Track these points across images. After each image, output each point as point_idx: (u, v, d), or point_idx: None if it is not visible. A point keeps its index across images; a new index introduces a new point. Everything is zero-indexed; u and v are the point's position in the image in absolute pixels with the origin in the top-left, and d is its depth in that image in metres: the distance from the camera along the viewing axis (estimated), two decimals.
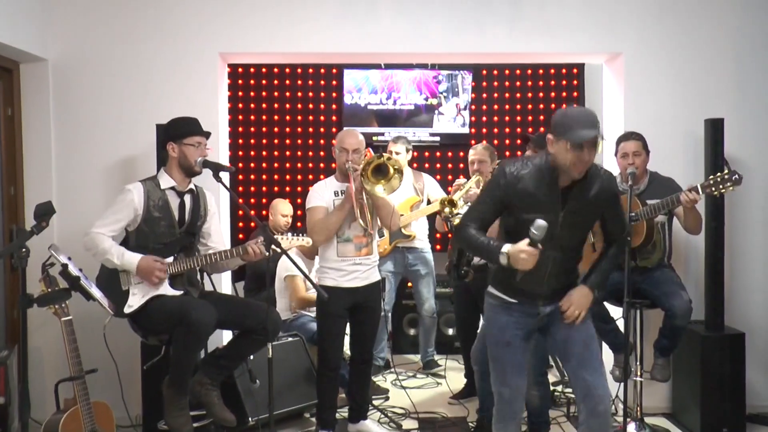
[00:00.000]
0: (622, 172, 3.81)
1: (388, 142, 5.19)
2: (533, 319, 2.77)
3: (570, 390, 4.39)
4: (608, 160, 4.44)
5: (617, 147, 3.85)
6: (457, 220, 3.74)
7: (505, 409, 2.85)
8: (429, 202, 5.07)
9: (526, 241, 2.51)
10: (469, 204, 4.04)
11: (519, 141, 6.12)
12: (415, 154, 6.29)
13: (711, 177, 3.45)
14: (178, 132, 3.42)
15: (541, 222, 2.48)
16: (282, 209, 5.44)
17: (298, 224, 5.98)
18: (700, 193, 3.42)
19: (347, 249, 3.69)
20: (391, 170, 3.58)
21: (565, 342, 2.76)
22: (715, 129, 4.01)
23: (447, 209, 4.02)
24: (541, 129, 6.13)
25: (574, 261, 2.79)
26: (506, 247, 2.56)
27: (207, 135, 3.49)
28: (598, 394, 2.68)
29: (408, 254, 5.07)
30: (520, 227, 2.60)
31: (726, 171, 3.42)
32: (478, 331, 3.75)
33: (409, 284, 5.45)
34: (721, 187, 3.37)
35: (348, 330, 3.88)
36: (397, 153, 4.97)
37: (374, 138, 6.15)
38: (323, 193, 3.72)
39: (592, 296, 2.72)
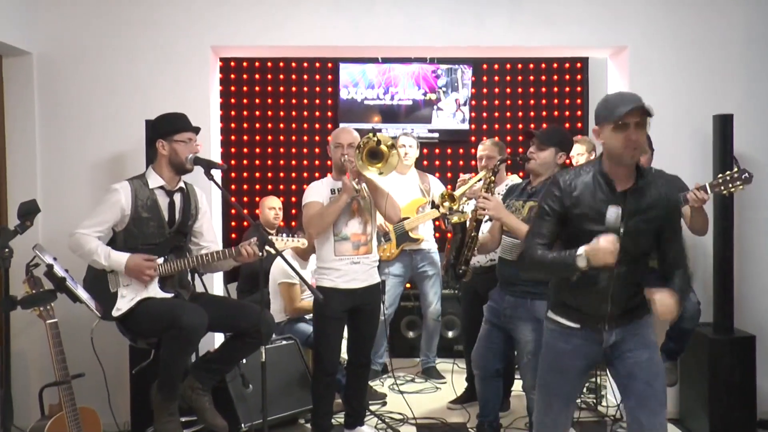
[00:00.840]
0: None
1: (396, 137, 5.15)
2: (597, 348, 2.61)
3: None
4: None
5: None
6: (455, 218, 3.74)
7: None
8: (434, 205, 5.05)
9: (601, 238, 2.40)
10: (471, 200, 4.07)
11: (521, 137, 6.09)
12: (425, 151, 6.28)
13: (720, 175, 3.44)
14: (167, 129, 3.40)
15: (613, 208, 2.40)
16: (269, 203, 5.47)
17: (293, 223, 5.97)
18: (709, 192, 3.41)
19: (344, 248, 3.67)
20: (385, 148, 3.59)
21: (628, 378, 2.61)
22: (724, 125, 3.99)
23: (446, 203, 3.99)
24: (544, 125, 6.13)
25: (638, 277, 2.59)
26: (582, 249, 2.42)
27: (196, 130, 3.48)
28: None
29: (415, 256, 5.05)
30: (580, 239, 2.48)
31: (735, 169, 3.40)
32: (481, 334, 3.73)
33: (408, 285, 5.42)
34: (730, 185, 3.36)
35: (345, 333, 3.86)
36: (410, 146, 4.96)
37: (369, 135, 6.12)
38: (320, 191, 3.71)
39: (677, 299, 2.48)
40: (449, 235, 4.04)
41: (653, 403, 2.59)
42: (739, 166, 3.64)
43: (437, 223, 5.20)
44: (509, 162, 4.00)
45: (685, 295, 2.64)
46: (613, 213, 2.41)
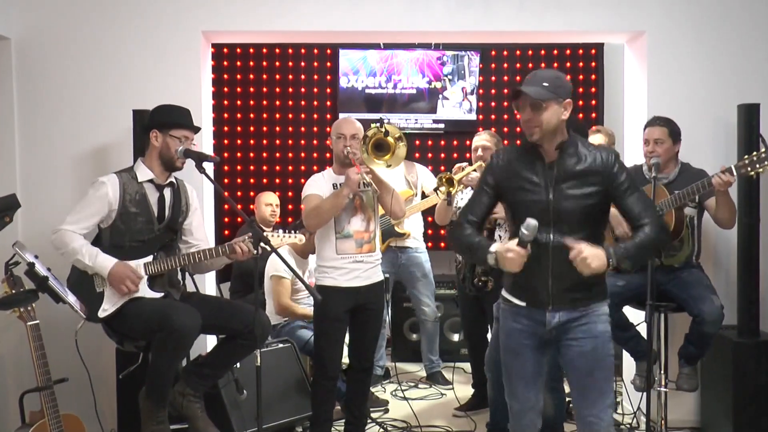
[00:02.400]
0: (647, 161, 3.77)
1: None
2: (542, 329, 2.71)
3: None
4: (629, 151, 4.41)
5: (643, 132, 3.81)
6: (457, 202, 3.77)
7: (514, 425, 2.85)
8: (424, 195, 5.03)
9: (515, 240, 2.55)
10: (468, 188, 4.11)
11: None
12: (417, 142, 6.29)
13: (746, 156, 3.40)
14: (165, 120, 3.39)
15: (532, 221, 2.52)
16: (265, 199, 5.46)
17: (290, 219, 5.95)
18: (735, 174, 3.38)
19: (347, 246, 3.66)
20: (392, 140, 3.64)
21: (570, 368, 2.75)
22: (749, 115, 3.97)
23: (443, 188, 4.00)
24: None
25: None
26: (494, 247, 2.62)
27: (196, 130, 3.47)
28: (594, 431, 2.69)
29: (401, 255, 5.03)
30: (517, 210, 2.69)
31: (763, 150, 3.36)
32: (490, 334, 3.74)
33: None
34: (758, 166, 3.33)
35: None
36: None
37: (372, 125, 6.10)
38: (321, 185, 3.70)
39: (604, 261, 2.53)
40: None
41: (593, 393, 2.70)
42: (767, 145, 3.61)
43: (430, 219, 5.18)
44: None
45: (636, 250, 2.61)
46: (530, 226, 2.51)
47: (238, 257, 3.37)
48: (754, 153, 3.38)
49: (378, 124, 3.65)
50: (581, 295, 2.67)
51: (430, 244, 5.57)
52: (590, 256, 2.51)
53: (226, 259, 3.43)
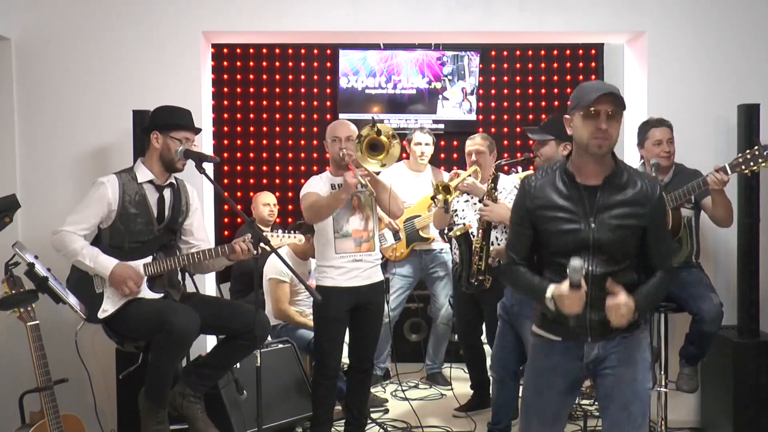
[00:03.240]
0: (647, 162, 3.78)
1: (409, 132, 5.13)
2: (578, 364, 2.54)
3: (586, 402, 4.36)
4: (627, 152, 4.40)
5: (644, 134, 3.82)
6: (457, 232, 3.85)
7: None
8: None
9: (567, 284, 2.36)
10: (464, 194, 4.14)
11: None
12: (442, 143, 6.27)
13: (740, 154, 3.40)
14: (166, 122, 3.39)
15: (576, 262, 2.33)
16: (262, 199, 5.46)
17: (290, 219, 5.96)
18: (729, 172, 3.37)
19: (346, 245, 3.68)
20: (386, 140, 3.66)
21: (606, 398, 2.56)
22: (749, 116, 3.97)
23: (440, 195, 4.01)
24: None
25: (621, 280, 2.46)
26: (550, 291, 2.41)
27: (197, 131, 3.47)
28: None
29: (425, 256, 5.03)
30: (552, 240, 2.49)
31: (757, 147, 3.35)
32: (497, 333, 3.76)
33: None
34: (752, 164, 3.31)
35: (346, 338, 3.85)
36: (426, 144, 4.94)
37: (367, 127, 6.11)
38: (320, 186, 3.73)
39: (633, 311, 2.40)
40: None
41: (627, 428, 2.51)
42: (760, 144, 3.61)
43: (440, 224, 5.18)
44: (506, 169, 4.04)
45: (651, 303, 2.57)
46: (575, 268, 2.33)
47: (238, 257, 3.37)
48: (748, 151, 3.36)
49: (370, 125, 3.67)
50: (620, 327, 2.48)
51: None
52: (626, 310, 2.37)
53: (226, 260, 3.43)
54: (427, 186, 4.98)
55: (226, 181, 6.27)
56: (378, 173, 3.83)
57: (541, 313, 2.61)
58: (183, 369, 3.51)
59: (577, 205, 2.45)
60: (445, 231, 4.06)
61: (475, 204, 4.04)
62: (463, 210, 4.15)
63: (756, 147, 3.34)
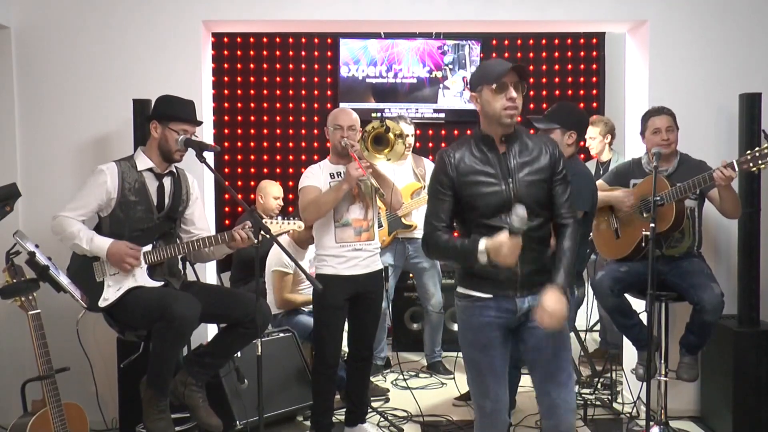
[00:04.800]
0: (649, 151, 3.77)
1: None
2: (511, 317, 2.68)
3: (587, 390, 4.37)
4: (630, 142, 4.40)
5: (645, 123, 3.81)
6: None
7: (487, 424, 2.77)
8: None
9: (505, 233, 2.48)
10: None
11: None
12: (418, 132, 6.26)
13: (749, 152, 3.40)
14: (166, 112, 3.38)
15: (521, 210, 2.49)
16: (273, 191, 5.43)
17: (290, 209, 5.95)
18: (736, 169, 3.37)
19: (346, 234, 3.67)
20: (392, 137, 3.66)
21: (535, 350, 2.69)
22: (751, 104, 3.95)
23: None
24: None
25: (542, 232, 2.69)
26: (483, 244, 2.52)
27: (198, 123, 3.46)
28: (560, 413, 2.66)
29: (408, 245, 5.03)
30: (476, 203, 2.63)
31: (765, 145, 3.35)
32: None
33: (411, 275, 5.42)
34: (759, 162, 3.32)
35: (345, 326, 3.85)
36: (407, 135, 4.92)
37: (373, 114, 6.11)
38: (318, 175, 3.71)
39: (566, 300, 2.59)
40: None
41: (561, 375, 2.68)
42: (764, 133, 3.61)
43: None
44: None
45: (572, 270, 2.68)
46: (520, 215, 2.47)
47: (238, 245, 3.37)
48: (757, 149, 3.36)
49: (380, 120, 3.67)
50: (546, 276, 2.64)
51: None
52: (559, 313, 2.54)
53: (227, 248, 3.43)
54: (408, 174, 4.97)
55: (226, 170, 6.26)
56: None
57: (463, 272, 2.73)
58: (184, 358, 3.51)
59: (495, 168, 2.64)
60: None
61: None
62: None
63: (765, 146, 3.33)
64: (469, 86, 2.67)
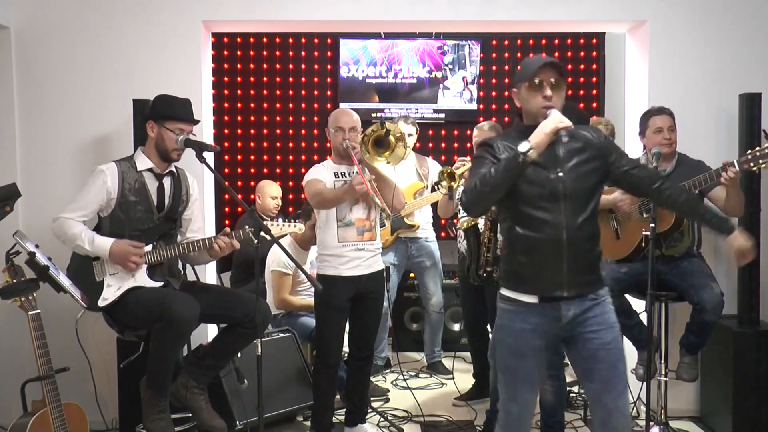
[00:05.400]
0: (649, 151, 3.77)
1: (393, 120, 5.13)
2: (556, 325, 2.60)
3: None
4: (629, 142, 4.39)
5: (645, 123, 3.81)
6: (464, 224, 3.87)
7: (512, 427, 2.74)
8: (434, 189, 5.02)
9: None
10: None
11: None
12: (417, 132, 6.26)
13: (749, 151, 3.39)
14: (162, 112, 3.38)
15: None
16: (271, 191, 5.43)
17: (290, 209, 5.95)
18: (737, 168, 3.37)
19: (348, 234, 3.67)
20: (393, 140, 3.67)
21: (592, 360, 2.62)
22: (751, 104, 3.95)
23: (444, 182, 4.01)
24: None
25: (591, 228, 2.64)
26: (524, 144, 2.51)
27: (194, 122, 3.46)
28: (619, 422, 2.62)
29: (411, 245, 5.03)
30: (522, 189, 2.56)
31: (766, 145, 3.35)
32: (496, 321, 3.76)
33: (412, 275, 5.42)
34: (760, 161, 3.31)
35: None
36: (408, 135, 4.92)
37: (373, 115, 6.11)
38: (323, 173, 3.72)
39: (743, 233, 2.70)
40: (456, 221, 4.06)
41: (620, 385, 2.63)
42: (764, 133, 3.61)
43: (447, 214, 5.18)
44: None
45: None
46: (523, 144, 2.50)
47: (216, 254, 3.36)
48: (757, 149, 3.35)
49: (380, 123, 3.67)
50: (591, 277, 2.62)
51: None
52: (747, 244, 2.68)
53: (207, 255, 3.42)
54: (411, 174, 4.96)
55: (226, 170, 6.26)
56: None
57: (507, 271, 2.68)
58: (185, 360, 3.51)
59: (541, 157, 2.55)
60: (452, 226, 4.06)
61: None
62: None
63: (766, 146, 3.33)
64: (511, 82, 2.69)
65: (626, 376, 2.70)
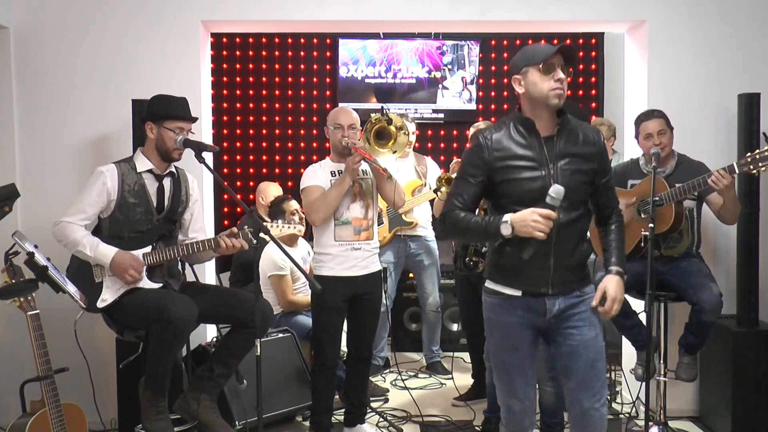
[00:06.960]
0: (646, 154, 3.77)
1: None
2: (541, 318, 2.61)
3: None
4: (629, 142, 4.39)
5: (638, 128, 3.81)
6: None
7: (515, 425, 2.73)
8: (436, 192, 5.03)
9: (533, 209, 2.44)
10: None
11: None
12: (417, 132, 6.26)
13: (749, 154, 3.39)
14: (159, 112, 3.37)
15: (559, 186, 2.43)
16: (273, 192, 5.42)
17: None
18: (737, 171, 3.36)
19: (345, 233, 3.66)
20: (394, 129, 3.66)
21: (571, 357, 2.62)
22: (750, 104, 3.95)
23: (444, 188, 4.01)
24: None
25: (579, 228, 2.62)
26: (508, 216, 2.45)
27: (192, 120, 3.44)
28: (593, 423, 2.63)
29: (410, 243, 5.03)
30: (512, 190, 2.55)
31: (765, 147, 3.35)
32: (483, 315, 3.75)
33: (411, 275, 5.41)
34: (760, 164, 3.31)
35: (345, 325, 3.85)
36: (408, 132, 4.92)
37: (372, 115, 6.09)
38: (319, 174, 3.69)
39: (623, 282, 2.61)
40: None
41: (596, 384, 2.62)
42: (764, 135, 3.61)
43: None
44: None
45: (625, 261, 2.71)
46: (558, 191, 2.43)
47: (222, 252, 3.35)
48: (757, 151, 3.35)
49: (380, 113, 3.65)
50: (577, 275, 2.63)
51: None
52: (619, 295, 2.58)
53: (212, 252, 3.41)
54: (410, 171, 4.97)
55: (225, 170, 6.26)
56: None
57: (493, 265, 2.66)
58: (194, 376, 3.47)
59: (535, 153, 2.55)
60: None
61: None
62: None
63: (765, 149, 3.33)
64: (510, 69, 2.63)
65: (604, 375, 2.70)
